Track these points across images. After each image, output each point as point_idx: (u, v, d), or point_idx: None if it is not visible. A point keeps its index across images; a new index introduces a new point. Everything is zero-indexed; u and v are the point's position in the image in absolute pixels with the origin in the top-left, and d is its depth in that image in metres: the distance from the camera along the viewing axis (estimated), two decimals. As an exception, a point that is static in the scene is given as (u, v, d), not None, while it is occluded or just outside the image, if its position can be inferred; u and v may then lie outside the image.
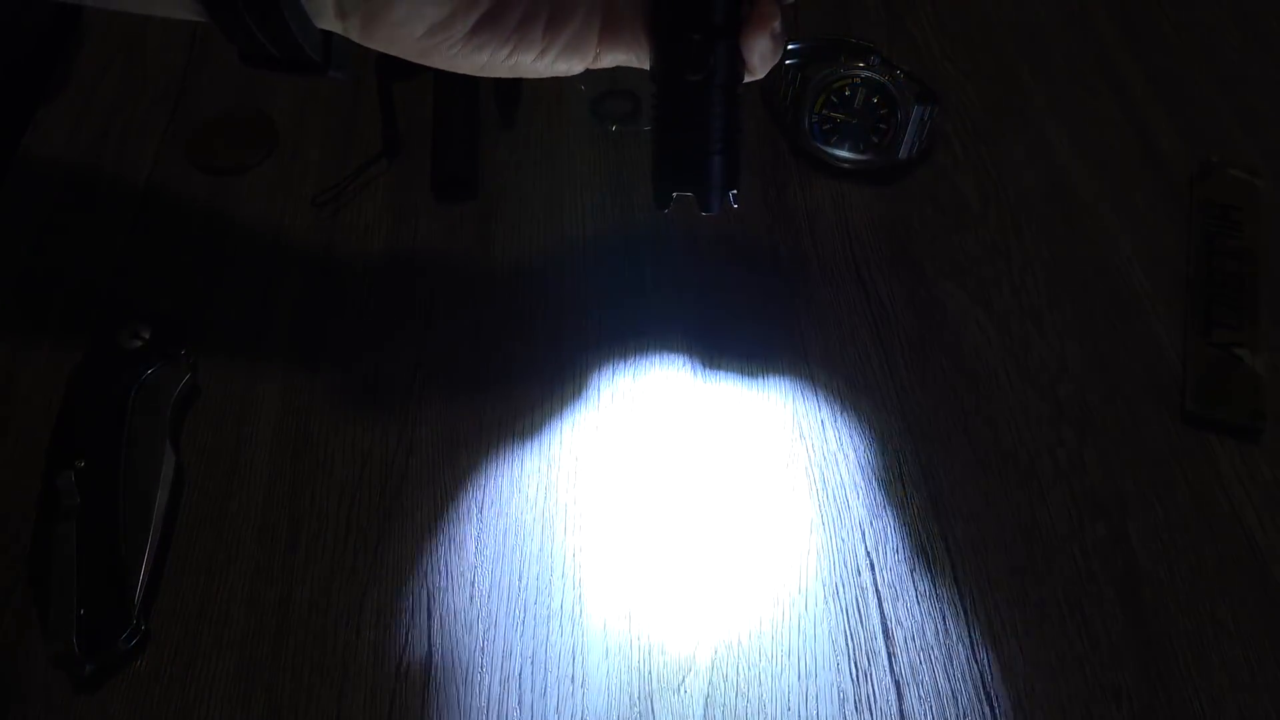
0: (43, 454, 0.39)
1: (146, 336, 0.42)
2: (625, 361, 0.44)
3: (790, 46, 0.54)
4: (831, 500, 0.40)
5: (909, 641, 0.37)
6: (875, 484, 0.41)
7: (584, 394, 0.43)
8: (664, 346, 0.45)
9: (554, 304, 0.46)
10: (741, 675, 0.36)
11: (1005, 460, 0.42)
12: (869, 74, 0.49)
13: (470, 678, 0.36)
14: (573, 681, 0.36)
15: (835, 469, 0.41)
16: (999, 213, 0.50)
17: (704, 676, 0.36)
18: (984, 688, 0.36)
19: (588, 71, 0.33)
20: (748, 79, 0.32)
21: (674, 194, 0.33)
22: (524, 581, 0.38)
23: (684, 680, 0.36)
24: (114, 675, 0.36)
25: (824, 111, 0.50)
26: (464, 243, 0.48)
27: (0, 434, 0.42)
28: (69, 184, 0.51)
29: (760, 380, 0.44)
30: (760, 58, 0.31)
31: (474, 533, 0.39)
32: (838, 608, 0.38)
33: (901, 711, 0.35)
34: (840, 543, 0.39)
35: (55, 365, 0.43)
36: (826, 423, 0.43)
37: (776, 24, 0.30)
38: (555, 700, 0.35)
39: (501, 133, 0.53)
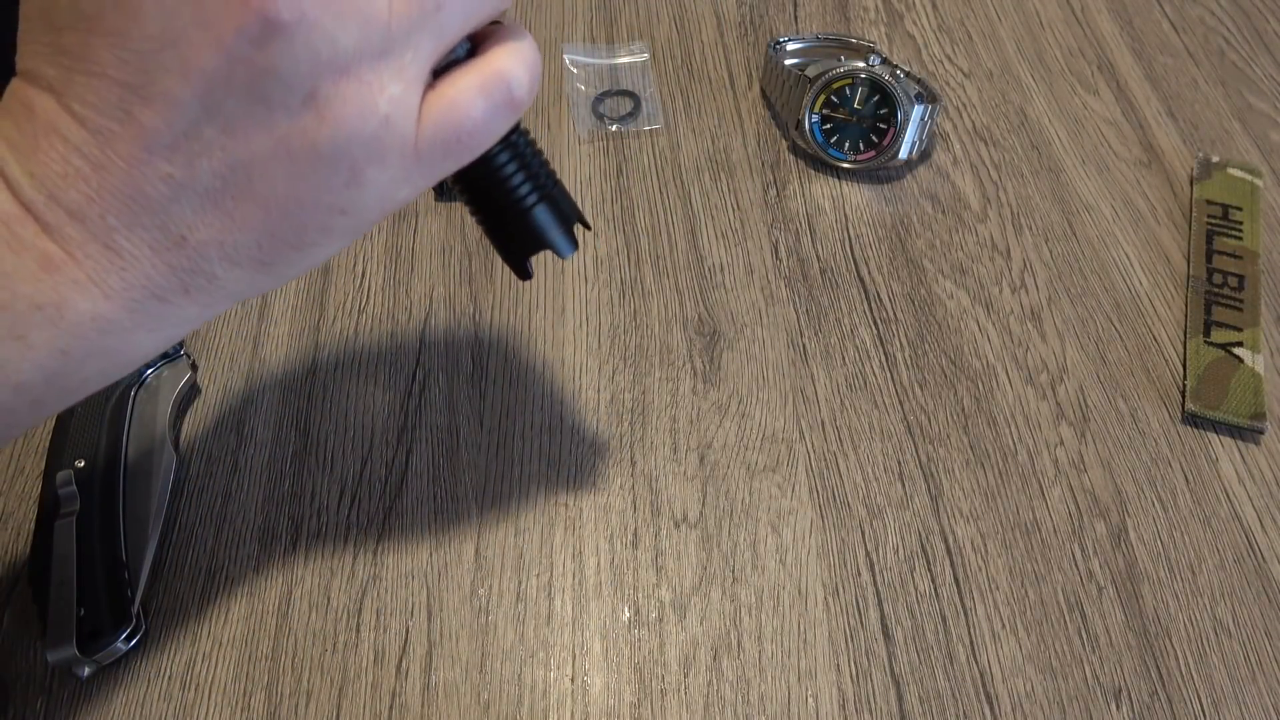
0: (43, 454, 0.39)
1: (146, 336, 0.42)
2: (626, 361, 0.44)
3: (790, 46, 0.54)
4: (831, 500, 0.40)
5: (909, 641, 0.37)
6: (875, 484, 0.41)
7: (585, 393, 0.43)
8: (665, 346, 0.45)
9: (555, 304, 0.46)
10: (742, 675, 0.36)
11: (1005, 460, 0.42)
12: (869, 74, 0.49)
13: (470, 677, 0.36)
14: (572, 681, 0.36)
15: (835, 469, 0.41)
16: (999, 213, 0.50)
17: (704, 677, 0.36)
18: (984, 688, 0.36)
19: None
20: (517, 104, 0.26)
21: (529, 260, 0.31)
22: (524, 582, 0.38)
23: (684, 680, 0.36)
24: (114, 675, 0.36)
25: (824, 111, 0.50)
26: (464, 242, 0.48)
27: (0, 434, 0.42)
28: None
29: (760, 380, 0.44)
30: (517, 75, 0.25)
31: (474, 533, 0.39)
32: (838, 608, 0.38)
33: (901, 711, 0.35)
34: (840, 543, 0.39)
35: (55, 365, 0.43)
36: (826, 423, 0.43)
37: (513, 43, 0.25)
38: (555, 699, 0.35)
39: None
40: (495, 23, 0.25)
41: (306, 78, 0.21)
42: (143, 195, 0.21)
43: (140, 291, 0.23)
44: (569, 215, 0.30)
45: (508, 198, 0.29)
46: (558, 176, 0.30)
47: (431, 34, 0.23)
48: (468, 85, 0.24)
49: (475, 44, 0.25)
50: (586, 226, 0.32)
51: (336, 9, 0.21)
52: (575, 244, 0.31)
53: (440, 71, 0.24)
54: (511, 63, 0.24)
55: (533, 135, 0.29)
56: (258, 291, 0.25)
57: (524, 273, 0.31)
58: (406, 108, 0.23)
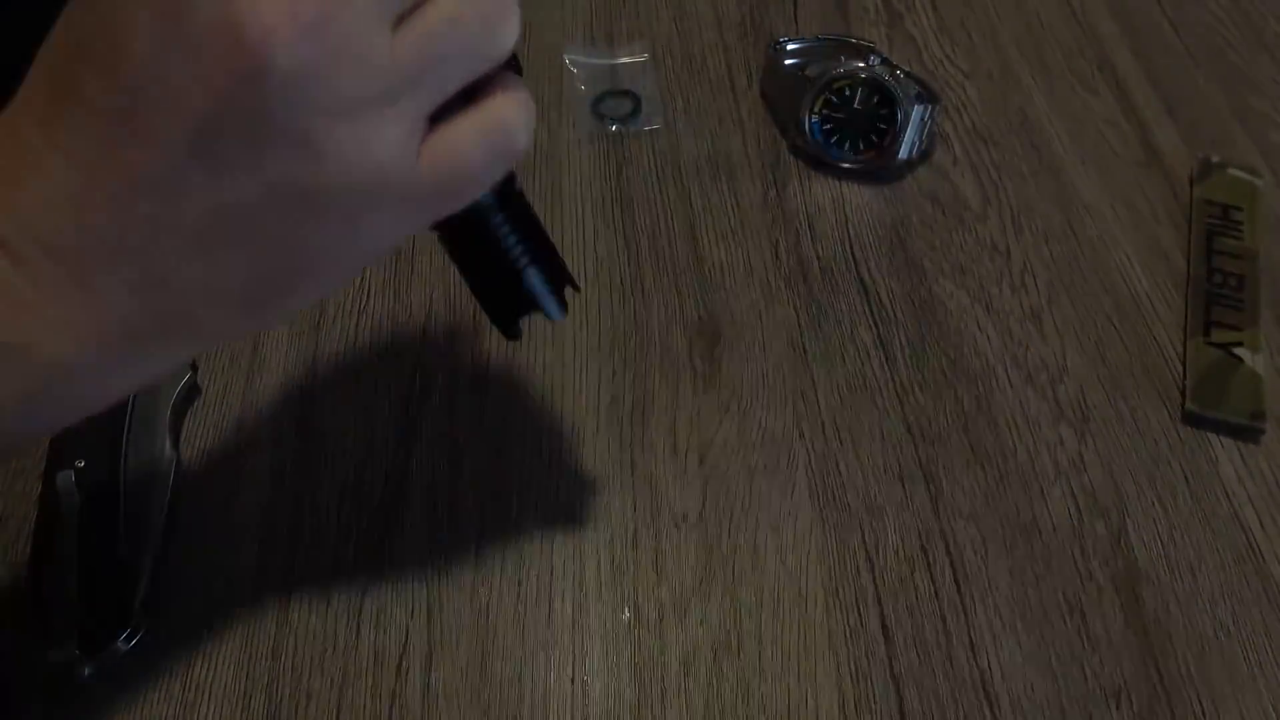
0: (43, 454, 0.39)
1: (146, 337, 0.42)
2: (626, 361, 0.44)
3: (791, 46, 0.54)
4: (832, 501, 0.40)
5: (909, 641, 0.37)
6: (875, 484, 0.41)
7: (584, 395, 0.43)
8: (665, 347, 0.45)
9: (554, 304, 0.46)
10: (742, 677, 0.36)
11: (1005, 460, 0.42)
12: (869, 74, 0.49)
13: (470, 678, 0.36)
14: (573, 682, 0.36)
15: (835, 469, 0.41)
16: (999, 213, 0.50)
17: (704, 678, 0.36)
18: (984, 688, 0.36)
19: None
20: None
21: (519, 321, 0.30)
22: (523, 582, 0.38)
23: (684, 682, 0.36)
24: (114, 675, 0.36)
25: (824, 111, 0.50)
26: (464, 243, 0.48)
27: (0, 434, 0.42)
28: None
29: (760, 380, 0.44)
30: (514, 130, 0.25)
31: (474, 533, 0.39)
32: (838, 609, 0.38)
33: (901, 711, 0.35)
34: (840, 543, 0.39)
35: (55, 365, 0.43)
36: (826, 423, 0.43)
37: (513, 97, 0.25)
38: (555, 701, 0.35)
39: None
40: None
41: (300, 122, 0.20)
42: (124, 235, 0.21)
43: (115, 334, 0.22)
44: (560, 278, 0.30)
45: (501, 258, 0.28)
46: (549, 237, 0.30)
47: (433, 83, 0.22)
48: (468, 131, 0.23)
49: (470, 90, 0.24)
50: (576, 289, 0.31)
51: (335, 55, 0.20)
52: (565, 308, 0.30)
53: (435, 115, 0.23)
54: (511, 111, 0.24)
55: (527, 190, 0.29)
56: (241, 335, 0.24)
57: (514, 334, 0.30)
58: (404, 153, 0.22)
